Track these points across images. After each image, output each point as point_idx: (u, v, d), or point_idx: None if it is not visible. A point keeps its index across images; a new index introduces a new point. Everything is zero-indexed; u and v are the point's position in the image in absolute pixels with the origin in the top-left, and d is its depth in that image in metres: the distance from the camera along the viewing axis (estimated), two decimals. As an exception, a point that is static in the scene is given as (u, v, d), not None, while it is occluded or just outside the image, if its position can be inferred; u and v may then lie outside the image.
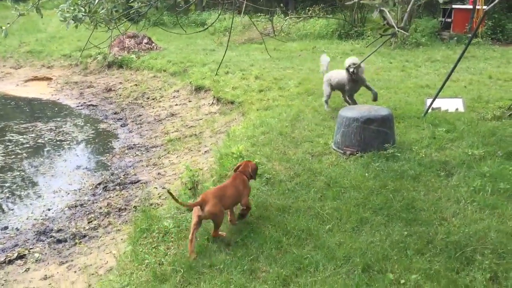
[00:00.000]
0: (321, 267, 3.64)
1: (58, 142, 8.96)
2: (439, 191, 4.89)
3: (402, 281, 3.43)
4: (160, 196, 6.19)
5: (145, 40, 15.11)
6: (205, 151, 7.57)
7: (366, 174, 5.33)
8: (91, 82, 13.56)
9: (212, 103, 9.98)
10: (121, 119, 10.43)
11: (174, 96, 11.24)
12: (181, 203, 4.32)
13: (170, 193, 4.12)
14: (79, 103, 11.90)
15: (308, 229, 4.21)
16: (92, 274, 4.47)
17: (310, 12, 16.36)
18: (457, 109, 7.65)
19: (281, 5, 19.31)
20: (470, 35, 12.70)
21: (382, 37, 3.04)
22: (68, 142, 9.03)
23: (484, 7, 12.91)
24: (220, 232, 4.24)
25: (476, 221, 4.21)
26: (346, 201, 4.72)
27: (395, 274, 3.50)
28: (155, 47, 15.10)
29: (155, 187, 6.62)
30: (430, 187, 4.98)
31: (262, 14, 17.98)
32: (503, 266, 3.52)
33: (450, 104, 7.81)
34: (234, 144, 6.48)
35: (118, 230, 5.50)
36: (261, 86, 9.86)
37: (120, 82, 13.09)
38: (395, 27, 2.72)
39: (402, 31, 2.80)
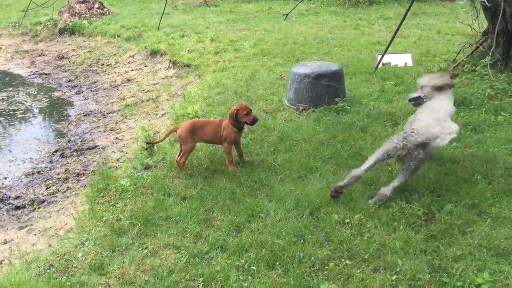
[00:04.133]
0: (272, 213, 3.85)
1: (11, 112, 8.77)
2: (385, 139, 5.13)
3: (347, 221, 3.68)
4: (118, 160, 6.24)
5: (96, 5, 14.67)
6: (163, 114, 7.61)
7: (317, 127, 5.54)
8: (43, 50, 13.16)
9: (168, 67, 9.92)
10: (76, 86, 10.24)
11: (129, 62, 11.08)
12: (161, 139, 5.13)
13: (148, 142, 5.21)
14: (31, 72, 11.56)
15: (261, 180, 4.39)
16: (52, 235, 4.55)
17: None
18: (406, 63, 7.93)
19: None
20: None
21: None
22: (21, 111, 8.85)
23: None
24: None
25: (417, 165, 4.49)
26: (297, 153, 4.92)
27: (340, 215, 3.75)
28: (107, 12, 14.69)
29: (113, 151, 6.65)
30: (377, 136, 5.24)
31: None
32: (438, 203, 3.81)
33: (400, 59, 8.08)
34: (190, 105, 6.56)
35: (77, 194, 5.55)
36: (217, 49, 9.86)
37: (73, 49, 12.76)
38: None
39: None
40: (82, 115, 8.47)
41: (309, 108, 6.11)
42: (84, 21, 13.59)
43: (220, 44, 10.17)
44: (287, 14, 5.20)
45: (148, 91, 9.09)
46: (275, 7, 14.40)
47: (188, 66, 9.36)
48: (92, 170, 6.15)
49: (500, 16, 6.28)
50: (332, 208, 3.86)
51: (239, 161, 4.86)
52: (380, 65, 7.65)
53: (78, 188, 5.72)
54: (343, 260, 3.25)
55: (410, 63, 7.91)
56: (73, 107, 9.04)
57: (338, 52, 9.03)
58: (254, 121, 4.74)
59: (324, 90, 6.09)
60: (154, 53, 10.70)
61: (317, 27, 11.50)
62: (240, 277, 3.19)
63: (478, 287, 2.93)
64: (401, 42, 9.43)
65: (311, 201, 3.94)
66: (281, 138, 5.35)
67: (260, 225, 3.69)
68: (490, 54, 6.73)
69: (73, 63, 11.90)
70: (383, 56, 7.56)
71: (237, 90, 7.08)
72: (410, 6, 6.90)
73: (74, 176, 6.14)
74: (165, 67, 9.98)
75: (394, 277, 3.07)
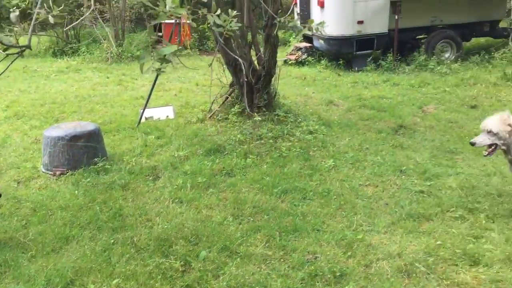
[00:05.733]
0: (19, 298, 3.44)
1: None
2: (147, 195, 5.18)
3: (104, 289, 3.53)
4: None
5: None
6: None
7: (76, 191, 5.26)
8: None
9: None
10: None
11: None
12: None
13: None
14: None
15: (6, 261, 3.91)
16: None
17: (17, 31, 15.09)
18: (167, 116, 8.24)
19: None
20: (181, 47, 13.78)
21: (8, 56, 3.11)
22: None
23: (188, 21, 14.17)
24: None
25: (176, 216, 4.62)
26: (52, 223, 4.56)
27: (96, 284, 3.56)
28: None
29: None
30: (139, 192, 5.23)
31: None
32: (194, 252, 3.96)
33: (162, 113, 8.37)
34: None
35: None
36: (-45, 115, 8.67)
37: None
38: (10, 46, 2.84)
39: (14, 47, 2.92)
40: None
41: (67, 172, 5.78)
42: None
43: (-37, 109, 8.99)
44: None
45: None
46: (31, 66, 13.48)
47: None
48: None
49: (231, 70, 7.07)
50: (88, 278, 3.65)
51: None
52: (143, 119, 7.78)
53: None
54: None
55: (171, 116, 8.25)
56: None
57: (101, 109, 8.88)
58: None
59: (82, 151, 5.86)
60: None
61: (79, 84, 11.16)
62: None
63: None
64: (163, 96, 9.81)
65: (64, 275, 3.65)
66: (34, 209, 4.90)
67: (1, 317, 3.25)
68: (237, 103, 7.51)
69: None
70: (143, 111, 7.72)
71: (-18, 161, 6.29)
72: (155, 79, 7.21)
73: None
74: None
75: None
